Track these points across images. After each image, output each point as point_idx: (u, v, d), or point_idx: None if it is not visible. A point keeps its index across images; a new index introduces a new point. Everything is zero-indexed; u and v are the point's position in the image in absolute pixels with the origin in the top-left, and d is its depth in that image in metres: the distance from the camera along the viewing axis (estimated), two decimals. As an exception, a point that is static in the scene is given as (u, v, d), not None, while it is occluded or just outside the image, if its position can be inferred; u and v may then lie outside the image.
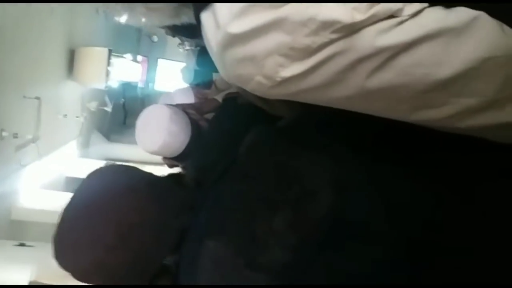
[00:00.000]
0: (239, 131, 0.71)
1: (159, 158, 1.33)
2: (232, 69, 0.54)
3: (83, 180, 0.77)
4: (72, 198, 0.73)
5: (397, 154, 0.61)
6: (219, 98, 1.29)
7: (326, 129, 0.65)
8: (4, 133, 2.63)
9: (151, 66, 6.63)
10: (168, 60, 6.55)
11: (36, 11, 2.98)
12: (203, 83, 2.28)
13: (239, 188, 0.65)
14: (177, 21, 0.73)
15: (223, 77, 0.57)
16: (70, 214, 0.71)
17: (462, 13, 0.48)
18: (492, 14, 0.49)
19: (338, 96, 0.51)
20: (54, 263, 0.71)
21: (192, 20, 0.64)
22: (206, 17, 0.56)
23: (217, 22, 0.51)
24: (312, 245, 0.58)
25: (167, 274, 0.72)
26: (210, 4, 0.54)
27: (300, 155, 0.63)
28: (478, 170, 0.59)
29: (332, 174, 0.60)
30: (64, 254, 0.70)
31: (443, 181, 0.58)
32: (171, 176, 0.82)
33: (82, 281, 0.71)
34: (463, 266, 0.56)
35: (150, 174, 0.78)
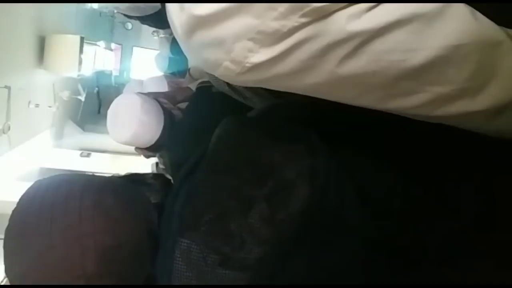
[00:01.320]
0: (213, 121, 0.68)
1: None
2: (199, 54, 0.51)
3: (31, 196, 0.64)
4: (25, 223, 0.61)
5: (370, 144, 0.60)
6: (193, 87, 1.26)
7: (298, 119, 0.64)
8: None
9: (125, 54, 6.51)
10: (143, 48, 6.44)
11: (3, -4, 2.87)
12: (177, 71, 2.23)
13: (211, 181, 0.62)
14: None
15: (190, 61, 0.55)
16: (37, 242, 0.60)
17: None
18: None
19: (309, 83, 0.50)
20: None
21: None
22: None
23: (181, 4, 0.48)
24: (289, 239, 0.57)
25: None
26: None
27: (272, 147, 0.61)
28: (452, 161, 0.59)
29: (306, 166, 0.58)
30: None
31: (417, 172, 0.58)
32: (132, 176, 0.76)
33: None
34: (438, 258, 0.56)
35: (110, 182, 0.69)
